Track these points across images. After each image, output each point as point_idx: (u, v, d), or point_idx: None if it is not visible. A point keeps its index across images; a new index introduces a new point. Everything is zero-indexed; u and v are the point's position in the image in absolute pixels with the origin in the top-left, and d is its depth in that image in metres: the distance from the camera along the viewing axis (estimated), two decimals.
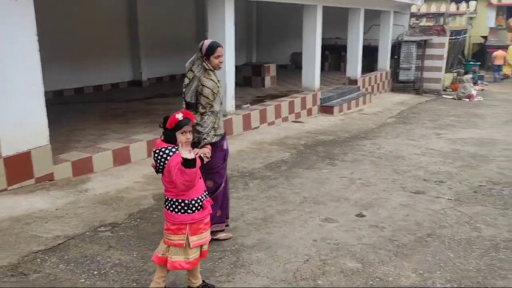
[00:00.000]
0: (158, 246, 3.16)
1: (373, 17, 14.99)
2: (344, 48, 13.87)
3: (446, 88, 16.03)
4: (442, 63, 15.38)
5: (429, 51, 15.20)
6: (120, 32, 12.59)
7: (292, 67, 17.02)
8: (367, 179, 6.03)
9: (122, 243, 4.09)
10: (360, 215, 4.77)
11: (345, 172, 6.33)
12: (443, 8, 21.61)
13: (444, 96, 14.83)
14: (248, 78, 12.95)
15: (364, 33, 13.68)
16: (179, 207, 2.98)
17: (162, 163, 2.93)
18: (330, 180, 5.94)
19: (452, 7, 23.02)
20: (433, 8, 22.94)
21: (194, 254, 3.05)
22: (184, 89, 3.84)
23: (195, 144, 3.69)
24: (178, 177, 2.81)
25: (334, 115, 10.91)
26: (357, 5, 12.64)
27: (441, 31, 15.31)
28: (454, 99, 14.22)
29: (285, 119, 9.99)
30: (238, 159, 7.04)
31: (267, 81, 12.84)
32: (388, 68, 15.27)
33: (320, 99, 11.17)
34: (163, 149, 2.93)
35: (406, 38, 15.36)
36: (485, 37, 24.65)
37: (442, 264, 3.74)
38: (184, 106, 3.85)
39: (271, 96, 11.01)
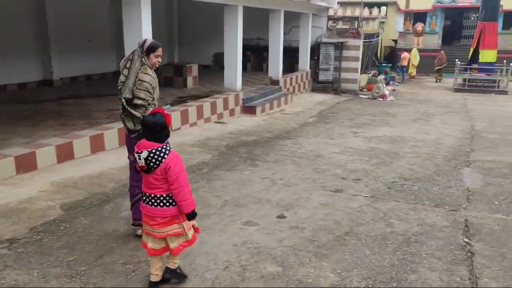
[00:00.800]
0: (145, 239, 3.26)
1: (293, 19, 15.32)
2: (266, 48, 14.01)
3: (362, 88, 16.86)
4: (358, 65, 16.13)
5: (345, 53, 15.86)
6: (26, 26, 11.57)
7: (215, 68, 16.86)
8: (288, 179, 6.05)
9: (20, 261, 3.66)
10: (281, 217, 4.74)
11: (267, 172, 6.31)
12: (357, 12, 22.78)
13: (360, 96, 15.56)
14: (169, 78, 12.58)
15: (285, 34, 13.91)
16: (170, 200, 3.11)
17: (158, 162, 3.04)
18: (252, 182, 5.88)
19: (365, 12, 24.36)
20: (349, 12, 24.09)
21: (191, 233, 3.26)
22: (120, 87, 3.90)
23: (140, 137, 3.68)
24: (182, 182, 3.06)
25: (257, 115, 10.93)
26: (277, 6, 12.80)
27: (356, 34, 16.05)
28: (370, 98, 14.98)
29: (208, 120, 9.81)
30: None
31: (189, 81, 12.58)
32: (308, 69, 15.69)
33: (243, 99, 11.14)
34: (159, 149, 3.05)
35: (324, 40, 15.89)
36: (395, 41, 26.42)
37: (359, 262, 3.81)
38: (123, 103, 3.87)
39: (193, 97, 10.78)
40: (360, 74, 16.51)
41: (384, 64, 20.83)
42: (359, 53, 16.01)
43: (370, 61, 19.14)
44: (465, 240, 4.25)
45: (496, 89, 17.16)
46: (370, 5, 25.36)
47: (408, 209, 5.04)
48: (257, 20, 14.76)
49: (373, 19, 24.88)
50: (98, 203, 4.99)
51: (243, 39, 11.21)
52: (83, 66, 13.59)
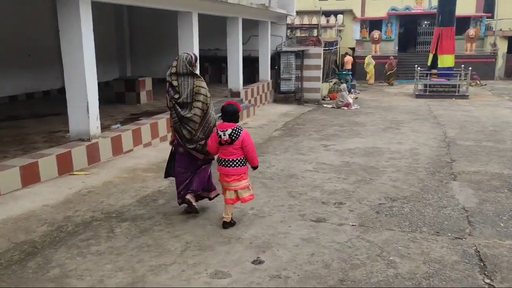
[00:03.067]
0: (226, 194, 4.46)
1: (251, 28, 14.58)
2: (224, 59, 13.18)
3: (325, 97, 16.31)
4: (320, 73, 15.57)
5: (307, 61, 15.27)
6: None
7: None
8: (260, 207, 5.15)
9: None
10: (258, 262, 3.81)
11: None
12: (314, 20, 22.41)
13: (324, 105, 14.97)
14: (121, 94, 11.48)
15: (243, 43, 13.14)
16: (242, 162, 4.41)
17: (237, 136, 4.30)
18: (217, 214, 4.93)
19: (323, 20, 24.08)
20: (306, 21, 23.68)
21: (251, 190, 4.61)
22: (175, 95, 4.57)
23: (196, 149, 4.71)
24: (252, 148, 4.43)
25: None
26: (234, 14, 12.01)
27: (317, 42, 15.51)
28: (334, 108, 14.40)
29: (164, 139, 8.77)
30: (104, 194, 5.67)
31: (143, 96, 11.51)
32: (269, 79, 14.95)
33: None
34: (238, 127, 4.34)
35: (284, 48, 15.25)
36: (353, 48, 26.34)
37: None
38: (177, 109, 4.56)
39: (147, 113, 9.77)
40: (322, 83, 15.96)
41: (344, 72, 20.50)
42: (321, 61, 15.46)
43: (330, 69, 18.70)
44: (486, 281, 3.48)
45: (456, 94, 17.09)
46: (327, 14, 25.12)
47: (406, 240, 4.24)
48: (213, 30, 13.90)
49: (331, 27, 24.63)
50: (20, 257, 3.88)
51: (200, 50, 10.32)
52: (23, 84, 12.21)
